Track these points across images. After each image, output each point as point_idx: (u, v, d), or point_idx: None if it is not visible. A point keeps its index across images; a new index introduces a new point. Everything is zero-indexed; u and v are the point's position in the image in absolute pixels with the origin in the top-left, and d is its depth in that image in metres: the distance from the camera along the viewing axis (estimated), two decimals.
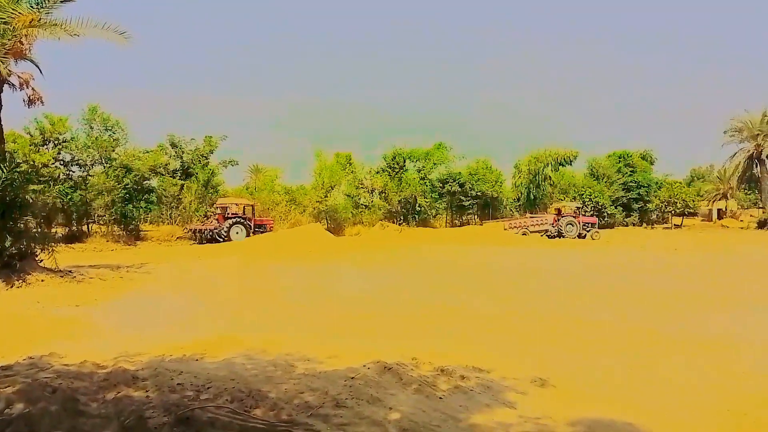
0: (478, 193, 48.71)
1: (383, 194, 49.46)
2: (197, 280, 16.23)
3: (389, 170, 50.12)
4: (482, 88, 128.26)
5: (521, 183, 53.93)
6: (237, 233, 32.39)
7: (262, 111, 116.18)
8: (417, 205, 49.52)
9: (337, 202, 47.84)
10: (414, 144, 50.87)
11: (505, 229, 39.31)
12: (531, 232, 38.97)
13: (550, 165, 53.59)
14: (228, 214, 33.46)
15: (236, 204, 34.64)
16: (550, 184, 53.48)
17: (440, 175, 50.10)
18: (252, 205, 35.25)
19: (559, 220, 39.44)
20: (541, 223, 39.77)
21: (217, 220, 34.06)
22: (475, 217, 50.97)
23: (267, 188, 48.59)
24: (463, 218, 51.36)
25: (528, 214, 45.36)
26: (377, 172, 50.24)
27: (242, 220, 32.84)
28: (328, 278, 16.18)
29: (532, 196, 53.08)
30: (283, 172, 51.09)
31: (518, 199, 53.74)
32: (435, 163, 50.37)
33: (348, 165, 49.55)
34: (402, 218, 49.49)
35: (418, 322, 10.01)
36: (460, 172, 49.89)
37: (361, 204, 50.08)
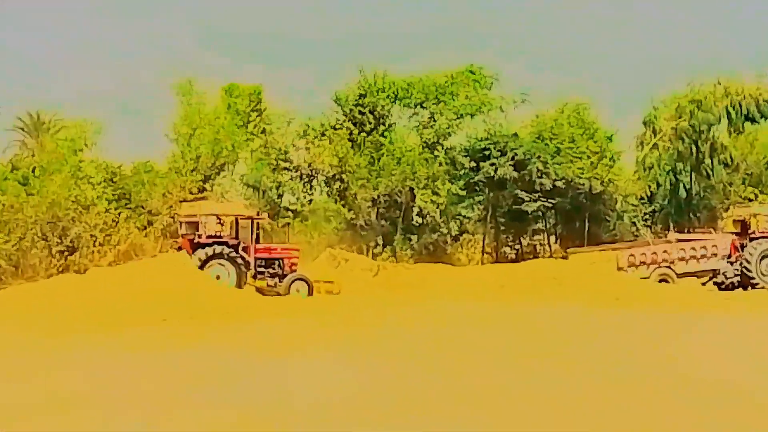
0: (560, 184, 28.10)
1: (337, 182, 27.83)
2: None
3: (351, 127, 27.66)
4: None
5: (658, 161, 32.83)
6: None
7: None
8: (415, 208, 27.49)
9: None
10: (409, 68, 29.02)
11: (619, 268, 23.57)
12: (680, 274, 23.70)
13: (729, 116, 31.51)
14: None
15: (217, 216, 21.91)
16: (725, 164, 32.21)
17: (470, 140, 28.99)
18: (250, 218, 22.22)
19: (743, 245, 23.94)
20: (705, 254, 24.07)
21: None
22: (552, 238, 31.63)
23: (61, 169, 25.30)
24: (525, 242, 31.51)
25: (673, 233, 26.87)
26: (323, 133, 27.41)
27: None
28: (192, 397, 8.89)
29: (683, 191, 32.39)
30: (100, 129, 25.94)
31: (650, 198, 31.98)
32: (458, 113, 28.12)
33: (256, 113, 26.83)
34: (382, 240, 27.73)
35: None
36: (516, 135, 28.54)
37: (285, 208, 27.60)
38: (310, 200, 27.17)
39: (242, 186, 26.09)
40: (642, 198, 30.89)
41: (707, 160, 31.39)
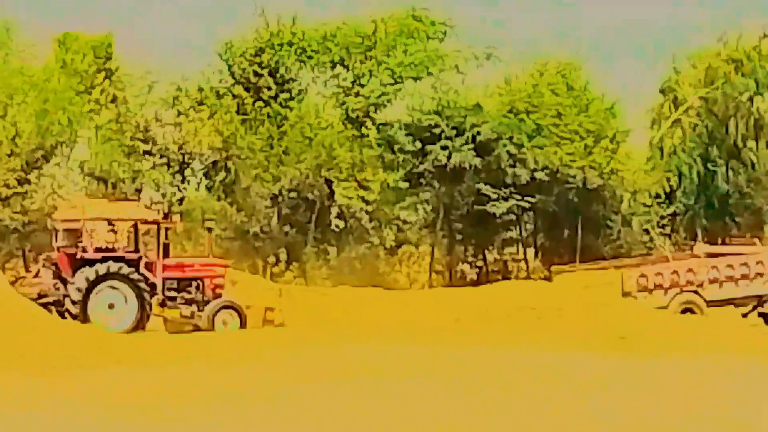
0: (541, 176, 24.62)
1: (221, 172, 24.22)
2: None
3: (243, 94, 23.87)
4: None
5: (682, 144, 28.17)
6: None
7: None
8: (334, 209, 24.60)
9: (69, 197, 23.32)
10: (326, 13, 24.96)
11: (625, 293, 20.45)
12: (712, 302, 20.57)
13: None
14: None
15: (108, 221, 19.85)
16: None
17: (413, 114, 24.89)
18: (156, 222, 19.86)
19: None
20: (746, 274, 21.12)
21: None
22: (531, 252, 27.47)
23: None
24: (492, 256, 27.35)
25: (701, 245, 22.58)
26: (200, 101, 23.52)
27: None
28: None
29: (718, 185, 27.68)
30: None
31: (669, 195, 27.32)
32: (395, 75, 24.36)
33: (104, 74, 23.10)
34: (286, 254, 23.83)
35: None
36: (478, 106, 24.60)
37: (146, 207, 22.04)
38: (182, 198, 23.41)
39: (83, 176, 22.44)
40: (658, 196, 27.09)
41: (750, 143, 27.11)
